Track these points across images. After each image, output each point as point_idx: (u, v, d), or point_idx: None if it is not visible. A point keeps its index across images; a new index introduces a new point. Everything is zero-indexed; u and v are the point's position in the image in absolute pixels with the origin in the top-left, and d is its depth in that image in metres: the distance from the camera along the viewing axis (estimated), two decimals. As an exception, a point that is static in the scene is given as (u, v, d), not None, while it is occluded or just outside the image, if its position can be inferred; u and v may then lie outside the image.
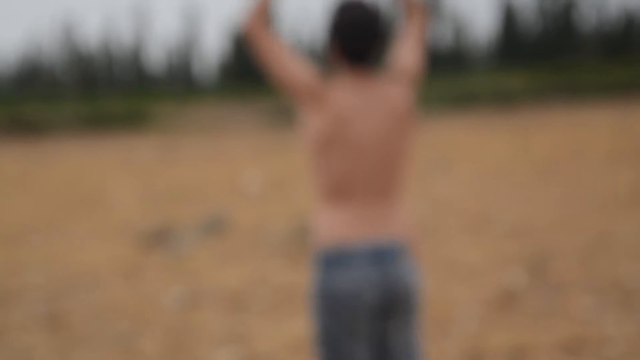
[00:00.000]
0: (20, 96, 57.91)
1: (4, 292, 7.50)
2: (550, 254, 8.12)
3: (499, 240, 9.06)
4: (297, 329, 6.08)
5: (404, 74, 2.98)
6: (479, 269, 7.67)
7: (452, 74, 68.55)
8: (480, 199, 12.34)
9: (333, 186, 2.88)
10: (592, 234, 9.11)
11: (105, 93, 74.48)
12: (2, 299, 7.29)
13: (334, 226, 2.86)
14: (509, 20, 75.87)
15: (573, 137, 23.02)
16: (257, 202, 13.29)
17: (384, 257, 2.85)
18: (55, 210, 13.26)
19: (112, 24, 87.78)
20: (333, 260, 2.83)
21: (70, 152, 26.86)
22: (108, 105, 48.44)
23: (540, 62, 72.88)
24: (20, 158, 24.58)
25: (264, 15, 2.84)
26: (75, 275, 8.22)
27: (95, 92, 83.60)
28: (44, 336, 6.10)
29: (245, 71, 74.12)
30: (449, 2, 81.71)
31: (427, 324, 5.93)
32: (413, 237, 2.97)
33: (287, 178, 16.79)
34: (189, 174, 18.42)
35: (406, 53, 3.04)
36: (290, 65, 2.86)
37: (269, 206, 12.66)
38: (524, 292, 6.67)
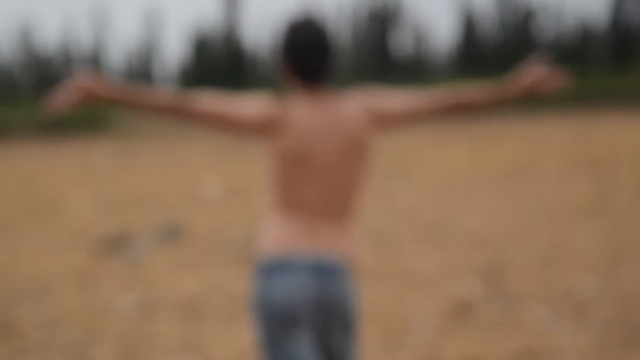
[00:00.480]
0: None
1: (-46, 300, 7.39)
2: (506, 264, 8.21)
3: (456, 250, 9.13)
4: (251, 337, 6.07)
5: (375, 109, 2.95)
6: (435, 279, 7.72)
7: (412, 82, 69.04)
8: (438, 209, 12.44)
9: (286, 200, 2.91)
10: (548, 244, 9.23)
11: (63, 96, 73.54)
12: (-48, 306, 7.18)
13: (279, 237, 2.89)
14: (469, 29, 76.62)
15: (531, 147, 23.30)
16: (215, 209, 13.26)
17: (323, 271, 2.88)
18: (7, 216, 13.10)
19: (71, 27, 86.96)
20: (272, 269, 2.87)
21: (26, 156, 26.53)
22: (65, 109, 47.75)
23: (500, 71, 73.65)
24: (-26, 162, 24.24)
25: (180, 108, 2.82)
26: (28, 283, 8.12)
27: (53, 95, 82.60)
28: (-6, 345, 6.01)
29: (206, 76, 73.91)
30: (409, 10, 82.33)
31: (383, 334, 5.96)
32: (356, 259, 3.00)
33: (246, 185, 16.78)
34: (147, 180, 18.31)
35: (394, 102, 2.98)
36: (234, 112, 2.85)
37: (227, 213, 12.63)
38: (479, 303, 6.73)
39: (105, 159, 24.82)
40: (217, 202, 14.08)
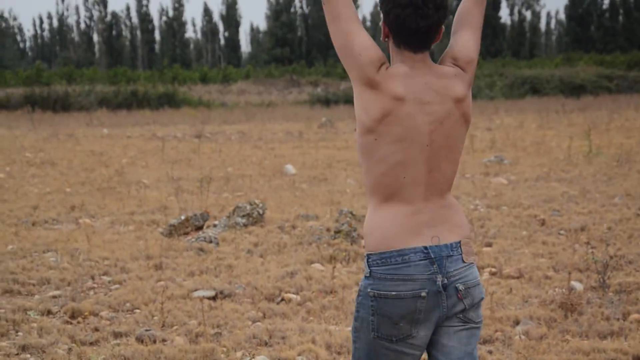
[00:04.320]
0: None
1: None
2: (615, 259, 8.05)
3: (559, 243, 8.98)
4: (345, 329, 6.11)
5: (468, 64, 2.96)
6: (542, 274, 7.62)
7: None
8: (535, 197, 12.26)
9: (386, 178, 2.87)
10: (661, 238, 8.99)
11: None
12: None
13: (388, 229, 2.85)
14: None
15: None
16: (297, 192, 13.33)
17: (442, 258, 2.84)
18: (82, 195, 13.41)
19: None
20: (387, 261, 2.85)
21: (94, 130, 27.21)
22: None
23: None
24: None
25: None
26: (102, 264, 8.33)
27: None
28: (67, 326, 6.17)
29: None
30: None
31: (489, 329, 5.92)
32: (470, 237, 2.97)
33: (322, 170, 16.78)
34: (225, 161, 18.52)
35: (469, 40, 3.00)
36: (361, 35, 2.85)
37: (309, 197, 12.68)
38: (588, 298, 6.62)
39: (180, 138, 25.15)
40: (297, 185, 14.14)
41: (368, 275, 2.87)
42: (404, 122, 2.82)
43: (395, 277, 2.81)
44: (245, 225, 10.08)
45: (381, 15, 2.91)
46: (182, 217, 9.86)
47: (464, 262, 2.89)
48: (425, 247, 2.83)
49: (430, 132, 2.85)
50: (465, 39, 2.98)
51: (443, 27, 2.89)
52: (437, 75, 2.89)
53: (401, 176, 2.85)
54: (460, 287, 2.86)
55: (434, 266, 2.82)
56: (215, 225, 10.05)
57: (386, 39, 2.94)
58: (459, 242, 2.89)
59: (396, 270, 2.81)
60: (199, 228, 9.93)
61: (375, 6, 78.63)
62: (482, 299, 2.96)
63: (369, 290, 2.85)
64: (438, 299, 2.83)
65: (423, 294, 2.81)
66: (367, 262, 2.88)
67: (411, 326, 2.84)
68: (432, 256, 2.82)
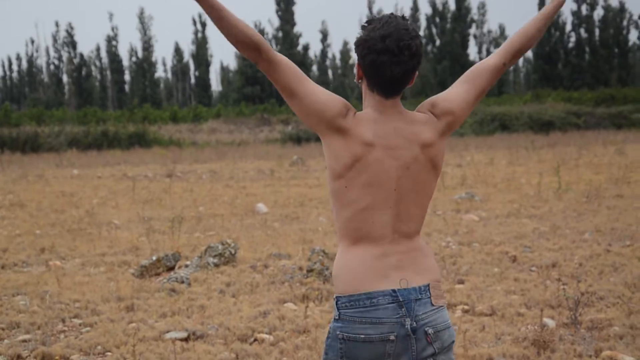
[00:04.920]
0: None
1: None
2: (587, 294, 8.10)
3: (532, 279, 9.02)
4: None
5: (445, 114, 2.96)
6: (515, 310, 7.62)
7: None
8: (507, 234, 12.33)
9: (355, 222, 2.87)
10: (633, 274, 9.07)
11: None
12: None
13: (357, 271, 2.85)
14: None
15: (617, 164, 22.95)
16: (268, 230, 13.31)
17: (412, 302, 2.83)
18: (51, 237, 13.29)
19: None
20: (356, 304, 2.84)
21: (64, 170, 27.05)
22: None
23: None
24: None
25: (243, 41, 2.85)
26: (73, 307, 8.25)
27: None
28: None
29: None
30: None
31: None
32: (440, 280, 2.97)
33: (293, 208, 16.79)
34: (197, 199, 18.47)
35: (460, 94, 3.01)
36: (315, 92, 2.85)
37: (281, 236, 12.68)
38: (561, 334, 6.65)
39: (151, 176, 25.07)
40: (269, 223, 14.13)
41: (337, 317, 2.86)
42: (372, 167, 2.84)
43: (364, 320, 2.80)
44: (217, 265, 10.04)
45: (353, 55, 2.94)
46: (154, 258, 9.81)
47: (432, 305, 2.89)
48: (394, 290, 2.83)
49: (398, 177, 2.87)
50: (457, 92, 3.00)
51: (417, 72, 2.91)
52: (406, 121, 2.91)
53: (370, 220, 2.86)
54: (430, 330, 2.85)
55: (403, 309, 2.82)
56: (187, 266, 10.01)
57: (360, 81, 2.96)
58: (428, 285, 2.89)
59: (365, 313, 2.81)
60: (171, 268, 9.88)
61: (345, 45, 79.25)
62: (453, 342, 2.96)
63: (337, 332, 2.85)
64: (407, 343, 2.82)
65: (392, 337, 2.80)
66: (337, 304, 2.87)
67: None
68: (401, 299, 2.82)
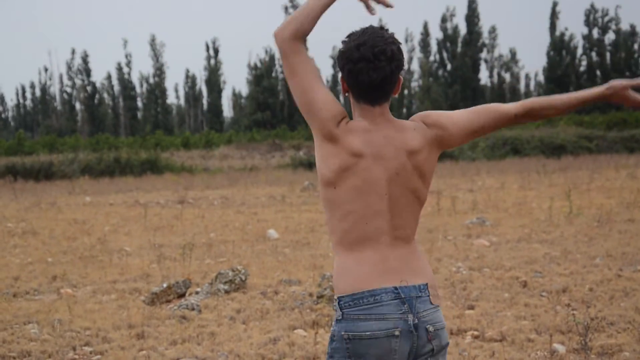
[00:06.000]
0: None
1: None
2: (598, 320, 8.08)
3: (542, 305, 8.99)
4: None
5: (434, 123, 3.02)
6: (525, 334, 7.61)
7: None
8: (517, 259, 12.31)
9: (349, 227, 2.94)
10: (642, 298, 9.03)
11: None
12: None
13: (359, 272, 2.91)
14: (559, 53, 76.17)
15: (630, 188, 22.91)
16: (279, 256, 13.33)
17: (412, 299, 2.90)
18: (63, 265, 13.35)
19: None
20: (360, 302, 2.88)
21: (77, 198, 27.16)
22: None
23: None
24: None
25: (300, 30, 2.91)
26: (83, 334, 8.28)
27: None
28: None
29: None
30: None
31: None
32: (435, 283, 3.04)
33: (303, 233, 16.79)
34: (208, 226, 18.52)
35: (461, 116, 3.05)
36: (321, 91, 2.93)
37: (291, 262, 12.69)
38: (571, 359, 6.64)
39: (163, 203, 25.13)
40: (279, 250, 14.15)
41: (340, 318, 2.91)
42: (361, 174, 2.92)
43: (369, 317, 2.87)
44: (227, 292, 10.07)
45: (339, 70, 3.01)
46: (164, 285, 9.85)
47: (432, 303, 2.96)
48: (396, 287, 2.91)
49: (388, 184, 2.94)
50: (459, 114, 3.06)
51: (401, 78, 2.98)
52: (396, 129, 2.98)
53: (364, 225, 2.93)
54: (430, 328, 2.93)
55: (405, 306, 2.89)
56: (197, 293, 10.04)
57: (347, 94, 3.04)
58: (426, 284, 2.97)
59: (369, 310, 2.87)
60: (181, 295, 9.91)
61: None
62: (447, 344, 3.03)
63: (342, 333, 2.89)
64: (410, 339, 2.89)
65: (397, 332, 2.87)
66: (339, 304, 2.92)
67: None
68: (403, 296, 2.90)
